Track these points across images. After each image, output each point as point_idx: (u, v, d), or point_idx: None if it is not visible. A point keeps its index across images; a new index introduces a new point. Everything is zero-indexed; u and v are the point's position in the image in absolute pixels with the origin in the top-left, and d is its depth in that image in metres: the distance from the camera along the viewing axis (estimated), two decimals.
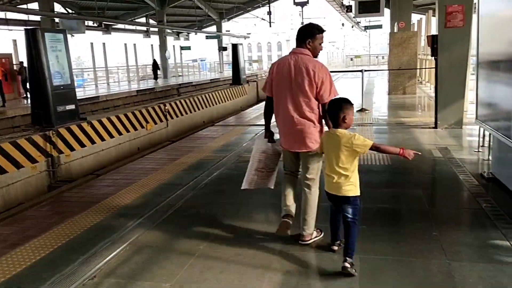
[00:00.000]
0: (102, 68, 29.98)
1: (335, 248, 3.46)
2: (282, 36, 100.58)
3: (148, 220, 4.28)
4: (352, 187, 3.15)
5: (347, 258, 3.13)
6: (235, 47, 24.57)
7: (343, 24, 37.29)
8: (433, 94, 15.56)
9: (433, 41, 8.35)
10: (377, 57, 47.77)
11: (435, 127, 8.52)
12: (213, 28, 41.81)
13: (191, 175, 5.80)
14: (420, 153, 3.39)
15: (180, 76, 37.66)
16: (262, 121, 3.95)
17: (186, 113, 18.01)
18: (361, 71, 11.33)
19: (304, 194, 3.57)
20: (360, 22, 38.52)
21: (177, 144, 8.23)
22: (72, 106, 11.30)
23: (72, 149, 10.93)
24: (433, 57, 8.72)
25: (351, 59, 48.28)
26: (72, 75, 11.44)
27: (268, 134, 3.77)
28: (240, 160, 6.56)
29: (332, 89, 3.44)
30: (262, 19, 34.02)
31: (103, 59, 29.08)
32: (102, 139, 12.49)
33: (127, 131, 13.75)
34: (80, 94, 21.16)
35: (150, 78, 33.95)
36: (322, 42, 3.57)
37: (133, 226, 4.13)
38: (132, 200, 4.87)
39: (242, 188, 3.82)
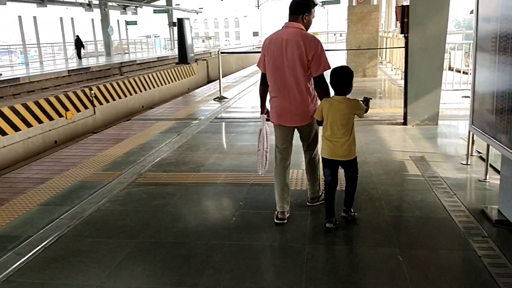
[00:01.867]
0: (34, 45, 26.76)
1: (330, 226, 3.33)
2: (240, 12, 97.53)
3: None
4: (354, 149, 3.33)
5: (347, 209, 3.47)
6: (180, 22, 22.15)
7: None
8: (396, 77, 14.01)
9: (403, 13, 6.53)
10: (334, 34, 46.14)
11: (404, 123, 6.78)
12: (162, 2, 38.65)
13: (48, 214, 3.74)
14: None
15: (126, 53, 34.73)
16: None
17: (120, 97, 15.67)
18: None
19: (309, 160, 3.66)
20: None
21: (58, 152, 6.01)
22: None
23: None
24: (402, 35, 6.94)
25: None
26: None
27: (266, 111, 3.68)
28: (136, 183, 4.53)
29: (323, 61, 3.37)
30: None
31: (36, 35, 25.96)
32: (3, 133, 10.16)
33: (39, 121, 11.39)
34: (6, 74, 18.34)
35: (92, 56, 30.94)
36: (314, 16, 3.51)
37: None
38: None
39: (260, 173, 3.68)
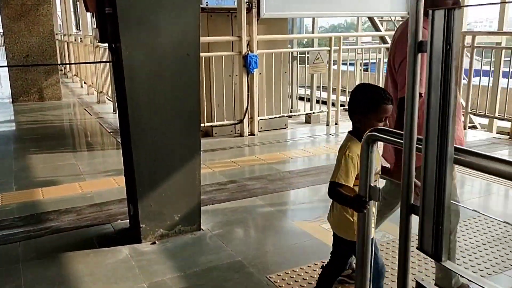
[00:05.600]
0: None
1: None
2: None
3: None
4: (348, 229, 2.05)
5: None
6: None
7: None
8: (91, 99, 9.65)
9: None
10: None
11: (136, 239, 3.14)
12: None
13: None
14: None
15: None
16: None
17: None
18: None
19: None
20: None
21: None
22: None
23: None
24: (106, 45, 3.20)
25: None
26: None
27: None
28: None
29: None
30: None
31: None
32: None
33: None
34: None
35: None
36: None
37: None
38: None
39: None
